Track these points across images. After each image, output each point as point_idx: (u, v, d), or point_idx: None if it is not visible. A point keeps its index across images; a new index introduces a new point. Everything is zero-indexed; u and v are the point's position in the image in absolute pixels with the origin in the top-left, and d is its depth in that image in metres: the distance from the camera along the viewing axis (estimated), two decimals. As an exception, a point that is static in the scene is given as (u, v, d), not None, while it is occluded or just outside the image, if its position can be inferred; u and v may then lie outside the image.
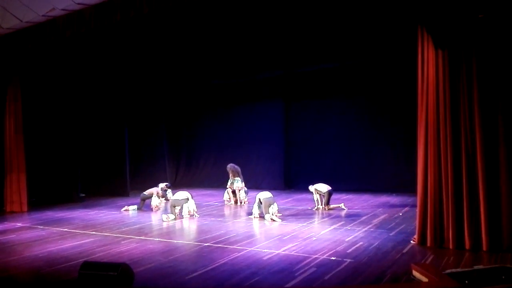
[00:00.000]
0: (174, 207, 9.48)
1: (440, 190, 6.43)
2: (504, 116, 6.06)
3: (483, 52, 6.13)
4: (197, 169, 16.26)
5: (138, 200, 11.07)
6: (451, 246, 6.29)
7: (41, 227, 8.91)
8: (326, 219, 9.12)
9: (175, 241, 7.47)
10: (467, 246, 6.17)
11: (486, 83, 6.13)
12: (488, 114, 6.13)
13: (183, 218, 9.49)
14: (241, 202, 11.57)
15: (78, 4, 8.29)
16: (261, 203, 9.17)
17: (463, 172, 6.25)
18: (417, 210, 6.73)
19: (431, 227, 6.46)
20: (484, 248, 6.10)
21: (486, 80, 6.13)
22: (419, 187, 6.68)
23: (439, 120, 6.48)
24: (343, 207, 10.23)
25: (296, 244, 6.86)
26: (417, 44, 6.71)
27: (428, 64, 6.56)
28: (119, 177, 13.76)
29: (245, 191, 11.81)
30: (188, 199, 9.64)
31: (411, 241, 6.77)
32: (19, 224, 9.33)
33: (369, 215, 9.29)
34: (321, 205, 10.21)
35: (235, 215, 10.11)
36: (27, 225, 9.24)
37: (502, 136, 6.06)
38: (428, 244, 6.47)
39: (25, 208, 11.19)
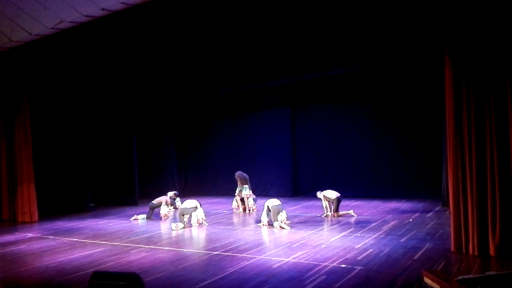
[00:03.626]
0: (183, 215, 9.49)
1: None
2: None
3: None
4: (205, 177, 16.29)
5: (147, 209, 11.10)
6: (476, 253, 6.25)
7: (52, 237, 8.97)
8: (335, 226, 9.08)
9: (184, 249, 7.48)
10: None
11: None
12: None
13: (192, 226, 9.49)
14: (249, 210, 11.56)
15: (86, 16, 8.40)
16: (269, 210, 9.15)
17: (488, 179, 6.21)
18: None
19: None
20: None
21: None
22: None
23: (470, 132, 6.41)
24: (352, 213, 10.17)
25: (306, 252, 6.83)
26: (443, 66, 6.73)
27: (452, 80, 6.55)
28: (128, 186, 13.83)
29: (253, 199, 11.79)
30: (196, 207, 9.65)
31: None
32: (30, 235, 9.39)
33: (379, 222, 9.22)
34: (330, 212, 10.16)
35: (244, 223, 10.09)
36: (38, 235, 9.30)
37: None
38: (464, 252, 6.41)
39: (35, 218, 11.31)
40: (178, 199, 12.53)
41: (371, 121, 13.61)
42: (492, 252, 6.16)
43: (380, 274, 5.62)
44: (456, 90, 6.47)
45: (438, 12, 6.64)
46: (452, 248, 6.55)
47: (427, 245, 6.99)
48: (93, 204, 13.36)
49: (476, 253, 6.25)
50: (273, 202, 9.18)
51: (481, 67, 6.25)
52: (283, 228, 8.80)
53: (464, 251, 6.40)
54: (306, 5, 7.99)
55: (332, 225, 9.23)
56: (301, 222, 9.56)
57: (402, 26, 8.44)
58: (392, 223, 9.05)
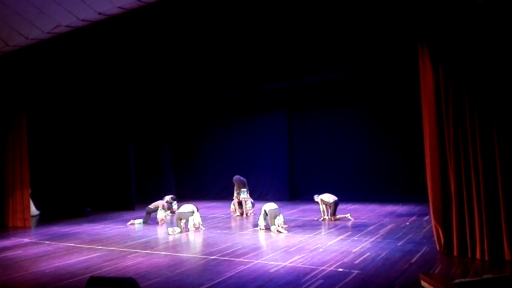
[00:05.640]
0: (180, 220, 9.47)
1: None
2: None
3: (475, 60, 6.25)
4: (202, 181, 16.25)
5: (144, 213, 11.06)
6: (479, 257, 6.19)
7: (48, 242, 8.92)
8: (332, 230, 9.07)
9: (181, 254, 7.45)
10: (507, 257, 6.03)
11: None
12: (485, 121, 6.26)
13: (189, 231, 9.47)
14: (246, 214, 11.54)
15: (83, 20, 8.39)
16: (266, 214, 9.14)
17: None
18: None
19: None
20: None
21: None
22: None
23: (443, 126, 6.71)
24: (349, 217, 10.17)
25: (303, 256, 6.82)
26: (417, 57, 6.88)
27: (426, 75, 6.74)
28: (124, 191, 13.80)
29: (251, 203, 11.78)
30: (193, 211, 9.63)
31: None
32: (26, 240, 9.34)
33: (376, 225, 9.23)
34: (327, 215, 10.16)
35: (241, 227, 10.08)
36: (34, 240, 9.25)
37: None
38: (455, 254, 6.41)
39: (28, 224, 11.24)
40: (175, 203, 12.50)
41: (368, 125, 13.61)
42: (508, 256, 5.99)
43: (377, 278, 5.62)
44: (454, 93, 6.53)
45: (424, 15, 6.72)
46: (455, 253, 6.43)
47: (424, 249, 6.99)
48: (90, 209, 13.31)
49: (486, 258, 6.11)
50: (270, 206, 9.17)
51: (476, 71, 6.30)
52: (280, 232, 8.79)
53: (470, 255, 6.28)
54: (301, 10, 8.02)
55: (329, 229, 9.22)
56: (298, 226, 9.55)
57: (401, 31, 8.47)
58: (389, 226, 9.05)
